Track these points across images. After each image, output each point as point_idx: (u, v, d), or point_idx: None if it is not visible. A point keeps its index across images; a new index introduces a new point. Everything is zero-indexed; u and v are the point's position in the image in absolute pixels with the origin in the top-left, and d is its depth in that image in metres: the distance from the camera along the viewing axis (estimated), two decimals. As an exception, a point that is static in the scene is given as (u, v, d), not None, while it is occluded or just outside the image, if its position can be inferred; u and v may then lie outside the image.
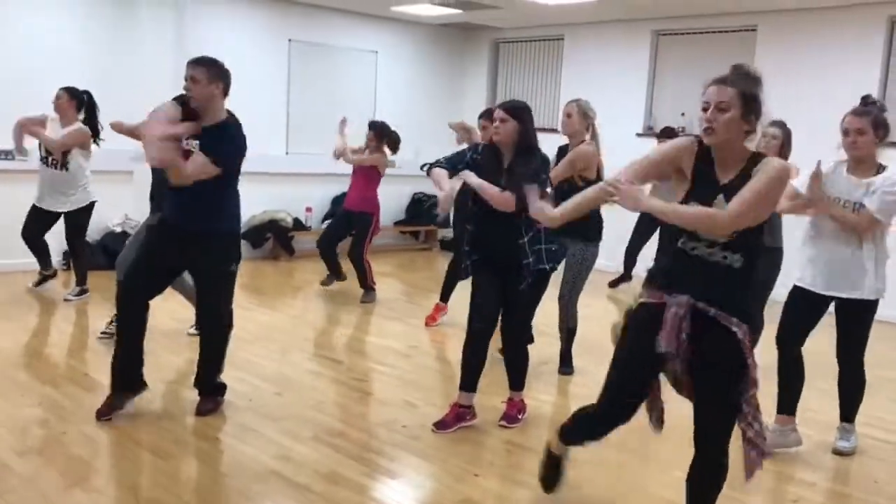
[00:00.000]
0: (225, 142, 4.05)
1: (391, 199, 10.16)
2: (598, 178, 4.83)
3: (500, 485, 3.48)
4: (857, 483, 3.78)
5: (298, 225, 9.26)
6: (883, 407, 4.79)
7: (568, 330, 5.17)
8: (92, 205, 6.51)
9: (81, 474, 3.39)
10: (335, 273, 7.31)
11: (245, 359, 5.12)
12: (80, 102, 6.27)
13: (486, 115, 5.74)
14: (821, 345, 4.23)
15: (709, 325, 2.68)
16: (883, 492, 3.65)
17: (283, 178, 9.09)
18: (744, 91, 2.63)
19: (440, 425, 4.08)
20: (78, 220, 6.49)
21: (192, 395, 4.23)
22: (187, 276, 5.34)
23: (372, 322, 6.50)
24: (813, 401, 4.84)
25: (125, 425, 4.01)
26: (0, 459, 3.46)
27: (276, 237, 9.09)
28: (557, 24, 9.71)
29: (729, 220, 2.59)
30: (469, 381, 4.12)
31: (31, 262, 6.69)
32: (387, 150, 7.21)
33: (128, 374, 4.04)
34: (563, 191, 4.44)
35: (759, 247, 2.71)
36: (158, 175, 4.68)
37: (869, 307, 3.94)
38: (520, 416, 4.21)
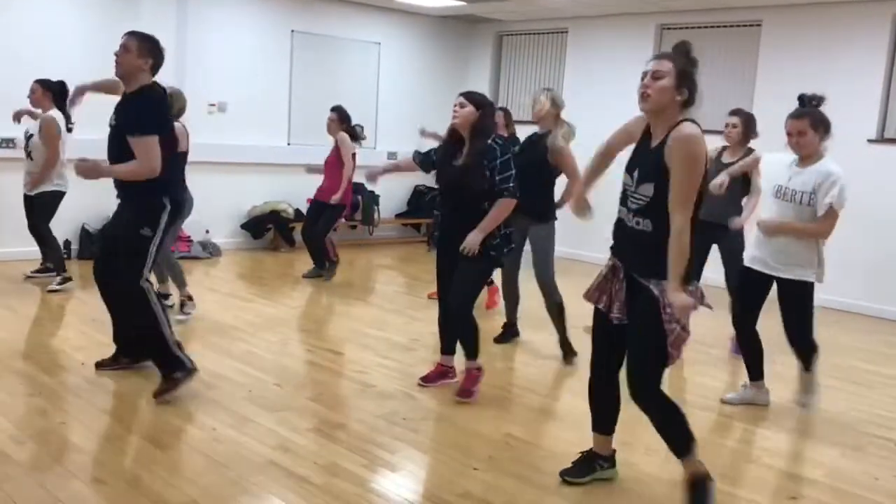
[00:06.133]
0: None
1: (392, 191, 10.16)
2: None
3: (500, 478, 3.47)
4: (856, 480, 3.77)
5: (300, 216, 9.24)
6: (880, 404, 4.78)
7: (556, 306, 5.20)
8: (55, 193, 6.35)
9: (80, 464, 3.39)
10: (319, 264, 7.51)
11: (244, 350, 5.12)
12: (53, 94, 6.24)
13: (502, 110, 6.27)
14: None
15: (636, 285, 3.05)
16: (883, 489, 3.64)
17: (285, 169, 9.05)
18: (681, 67, 2.93)
19: (425, 379, 4.63)
20: (38, 204, 6.36)
21: (192, 386, 4.22)
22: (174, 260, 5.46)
23: (372, 314, 6.48)
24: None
25: (124, 415, 4.01)
26: (-1, 448, 3.46)
27: (277, 228, 9.08)
28: (561, 17, 9.67)
29: (680, 223, 2.86)
30: (443, 344, 4.68)
31: (27, 250, 6.68)
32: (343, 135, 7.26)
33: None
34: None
35: (666, 215, 2.92)
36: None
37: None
38: (473, 389, 4.35)
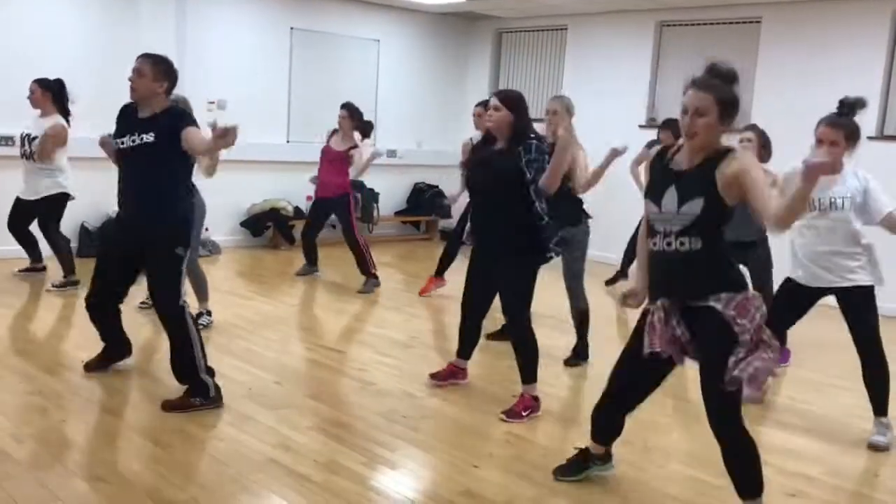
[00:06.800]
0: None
1: (392, 188, 10.15)
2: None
3: (500, 476, 3.47)
4: (857, 477, 3.77)
5: (299, 214, 9.24)
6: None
7: (577, 312, 5.11)
8: (63, 195, 6.34)
9: (80, 463, 3.39)
10: (311, 262, 7.51)
11: (244, 348, 5.12)
12: (53, 93, 6.21)
13: (483, 105, 5.81)
14: (814, 334, 4.23)
15: (694, 313, 2.82)
16: (883, 486, 3.65)
17: (284, 167, 9.06)
18: (721, 97, 2.78)
19: (434, 376, 4.62)
20: (47, 208, 6.36)
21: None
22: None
23: (372, 312, 6.49)
24: (812, 396, 4.84)
25: (124, 414, 4.01)
26: (-1, 447, 3.46)
27: (277, 226, 9.08)
28: (561, 14, 9.66)
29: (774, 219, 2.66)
30: (460, 347, 4.62)
31: (16, 249, 6.68)
32: (357, 135, 7.20)
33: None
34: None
35: (714, 230, 2.80)
36: None
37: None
38: (524, 414, 4.14)
